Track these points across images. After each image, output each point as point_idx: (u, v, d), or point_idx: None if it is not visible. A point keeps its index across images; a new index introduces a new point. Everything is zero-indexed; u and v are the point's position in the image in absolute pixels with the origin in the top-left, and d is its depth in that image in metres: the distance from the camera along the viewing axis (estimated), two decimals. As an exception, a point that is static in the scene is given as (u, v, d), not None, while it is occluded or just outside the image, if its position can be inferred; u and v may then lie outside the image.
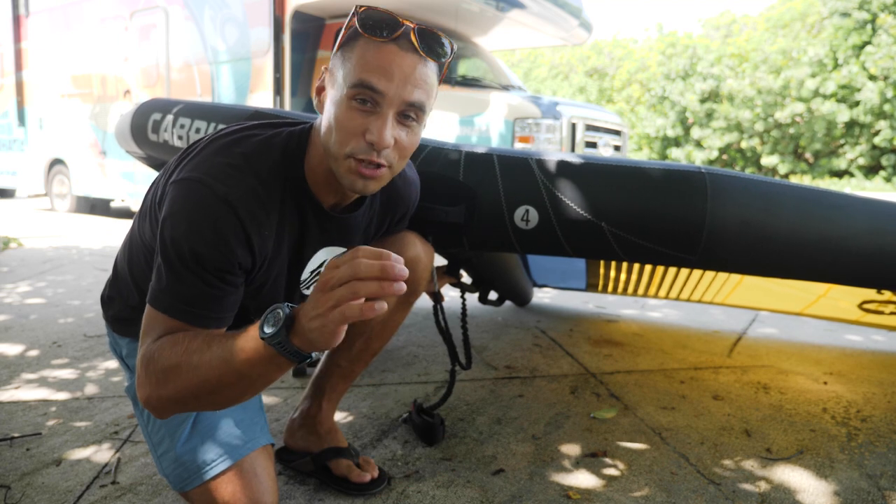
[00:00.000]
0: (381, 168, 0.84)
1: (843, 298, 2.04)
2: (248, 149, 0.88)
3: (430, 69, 0.84)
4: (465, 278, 2.86)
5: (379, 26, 0.81)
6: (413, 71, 0.81)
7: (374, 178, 0.84)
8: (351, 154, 0.82)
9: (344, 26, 0.85)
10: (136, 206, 8.11)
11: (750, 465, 1.36)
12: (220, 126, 1.53)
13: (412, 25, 0.82)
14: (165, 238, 0.82)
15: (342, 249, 1.04)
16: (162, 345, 0.79)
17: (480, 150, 1.27)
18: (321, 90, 0.90)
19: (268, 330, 0.68)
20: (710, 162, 24.30)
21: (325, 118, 0.85)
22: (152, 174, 5.78)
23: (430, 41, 0.84)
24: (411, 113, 0.83)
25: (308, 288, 1.07)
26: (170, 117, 1.65)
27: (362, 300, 0.63)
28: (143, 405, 0.80)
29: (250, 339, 0.71)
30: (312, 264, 1.02)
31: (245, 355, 0.72)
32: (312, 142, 0.91)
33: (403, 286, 0.63)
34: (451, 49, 0.86)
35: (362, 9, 0.82)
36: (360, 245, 0.67)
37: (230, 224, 0.82)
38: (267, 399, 1.64)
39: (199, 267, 0.81)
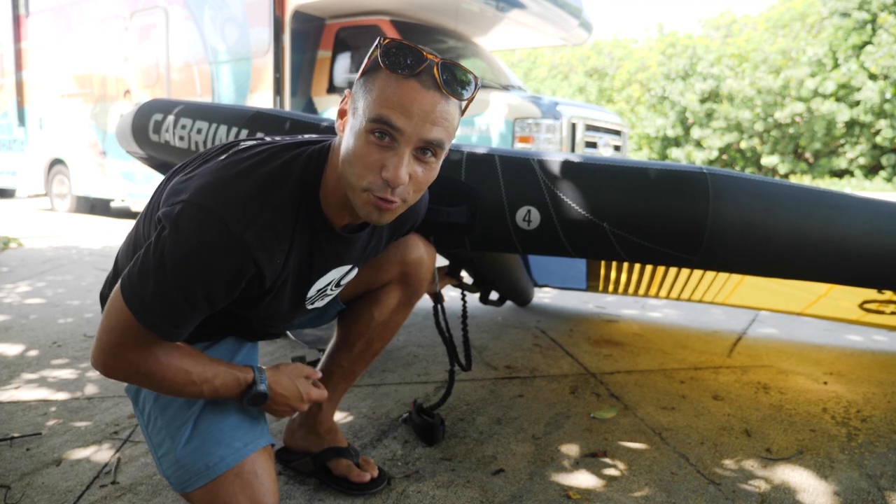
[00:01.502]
0: (395, 203, 0.84)
1: (844, 298, 2.04)
2: (267, 175, 0.87)
3: (451, 105, 0.83)
4: (466, 278, 2.86)
5: (401, 61, 0.80)
6: (433, 109, 0.80)
7: (388, 210, 0.84)
8: (368, 189, 0.82)
9: (368, 53, 0.84)
10: (136, 207, 8.11)
11: (750, 465, 1.36)
12: (222, 126, 1.53)
13: (436, 60, 0.81)
14: (165, 254, 0.81)
15: (349, 267, 1.06)
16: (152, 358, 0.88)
17: (482, 150, 1.26)
18: (343, 113, 0.89)
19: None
20: (710, 162, 24.27)
21: (345, 146, 0.85)
22: (152, 174, 5.77)
23: (454, 77, 0.82)
24: (429, 149, 0.83)
25: (312, 304, 1.08)
26: (171, 118, 1.64)
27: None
28: (92, 363, 0.87)
29: (232, 387, 0.95)
30: (320, 283, 1.02)
31: (221, 393, 0.95)
32: (330, 163, 0.91)
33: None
34: (476, 84, 0.85)
35: (385, 41, 0.81)
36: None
37: (244, 263, 0.83)
38: (267, 399, 1.64)
39: (195, 293, 0.82)
